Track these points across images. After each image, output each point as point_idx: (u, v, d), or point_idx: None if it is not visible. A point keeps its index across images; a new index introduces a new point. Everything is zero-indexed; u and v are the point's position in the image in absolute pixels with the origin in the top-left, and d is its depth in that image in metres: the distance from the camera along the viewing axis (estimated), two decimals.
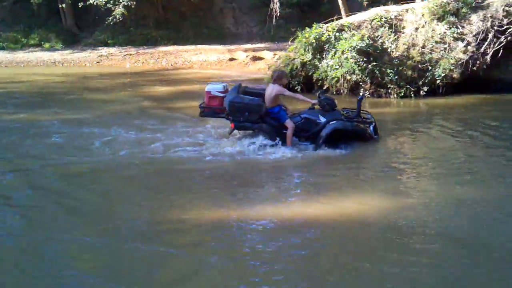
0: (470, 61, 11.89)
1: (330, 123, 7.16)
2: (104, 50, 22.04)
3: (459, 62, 11.90)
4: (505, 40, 11.87)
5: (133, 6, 20.17)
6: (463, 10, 12.33)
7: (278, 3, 15.76)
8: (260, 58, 18.26)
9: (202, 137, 7.96)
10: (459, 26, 12.26)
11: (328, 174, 6.64)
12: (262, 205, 5.54)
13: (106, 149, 7.67)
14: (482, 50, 11.97)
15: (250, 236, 4.73)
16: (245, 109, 7.01)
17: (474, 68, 11.92)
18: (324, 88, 12.05)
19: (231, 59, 18.95)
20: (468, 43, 12.05)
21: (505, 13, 12.07)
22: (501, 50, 11.89)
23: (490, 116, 10.10)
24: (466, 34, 12.16)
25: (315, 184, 6.34)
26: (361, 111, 7.68)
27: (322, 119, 7.25)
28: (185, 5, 23.85)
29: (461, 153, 7.57)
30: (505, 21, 11.97)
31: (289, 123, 7.19)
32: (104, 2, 20.30)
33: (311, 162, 6.99)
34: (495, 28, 11.98)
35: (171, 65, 19.59)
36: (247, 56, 18.69)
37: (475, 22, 12.21)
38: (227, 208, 5.45)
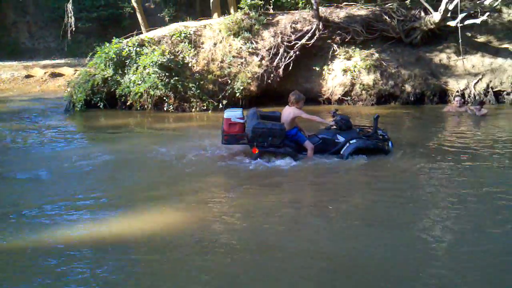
0: (265, 74, 13.79)
1: (351, 142, 7.70)
2: None
3: (256, 76, 13.70)
4: (294, 54, 14.00)
5: None
6: (256, 26, 14.31)
7: (73, 17, 16.32)
8: (60, 75, 18.50)
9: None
10: (253, 42, 14.15)
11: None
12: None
13: None
14: (275, 64, 13.93)
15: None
16: (269, 134, 7.42)
17: (269, 81, 13.83)
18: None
19: (28, 76, 18.80)
20: (263, 58, 13.96)
21: (292, 29, 14.31)
22: (291, 64, 13.97)
23: None
24: (260, 49, 14.07)
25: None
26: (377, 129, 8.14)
27: (341, 139, 7.81)
28: None
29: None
30: (293, 37, 14.17)
31: (308, 144, 7.75)
32: None
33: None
34: (285, 43, 14.09)
35: None
36: (45, 73, 18.74)
37: (267, 38, 14.23)
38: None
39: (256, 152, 7.55)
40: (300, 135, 7.85)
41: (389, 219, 5.54)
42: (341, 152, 7.71)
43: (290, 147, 7.66)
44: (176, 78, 13.26)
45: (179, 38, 14.12)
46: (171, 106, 13.46)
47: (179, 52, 13.87)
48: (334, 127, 8.02)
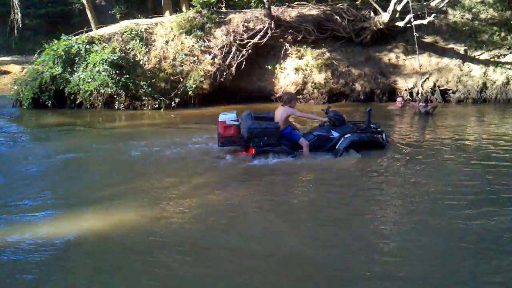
0: (217, 72, 14.07)
1: (345, 136, 7.89)
2: None
3: (208, 74, 13.96)
4: (247, 53, 14.35)
5: None
6: (208, 25, 14.59)
7: (19, 13, 16.15)
8: (6, 72, 18.26)
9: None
10: (205, 40, 14.41)
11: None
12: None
13: None
14: (227, 62, 14.23)
15: None
16: (264, 134, 7.60)
17: (222, 79, 14.12)
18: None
19: None
20: (215, 56, 14.23)
21: (245, 28, 14.65)
22: (244, 62, 14.31)
23: None
24: (213, 47, 14.35)
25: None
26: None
27: (335, 134, 7.97)
28: None
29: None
30: (246, 35, 14.51)
31: (303, 142, 7.88)
32: None
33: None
34: (238, 42, 14.41)
35: None
36: None
37: (220, 36, 14.52)
38: None
39: (253, 152, 7.70)
40: (294, 133, 8.02)
41: (338, 218, 5.63)
42: (336, 147, 7.88)
43: (286, 146, 7.84)
44: (127, 76, 13.36)
45: (130, 36, 14.22)
46: (122, 104, 13.53)
47: (130, 50, 13.97)
48: (328, 123, 8.16)
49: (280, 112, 8.05)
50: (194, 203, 6.03)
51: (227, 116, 7.87)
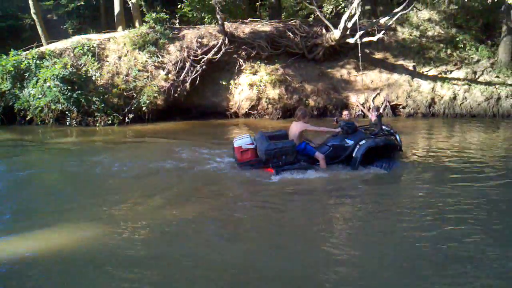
0: (171, 88, 14.36)
1: (360, 143, 8.05)
2: None
3: (162, 90, 14.24)
4: (201, 68, 14.73)
5: None
6: (162, 40, 14.92)
7: None
8: None
9: None
10: (159, 56, 14.72)
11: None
12: None
13: None
14: (181, 78, 14.56)
15: None
16: (281, 153, 7.77)
17: (176, 95, 14.42)
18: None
19: None
20: (169, 72, 14.55)
21: (198, 44, 15.05)
22: (198, 78, 14.68)
23: (197, 135, 12.19)
24: (166, 63, 14.67)
25: None
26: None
27: (350, 142, 8.15)
28: None
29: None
30: (199, 51, 14.90)
31: (319, 155, 8.08)
32: None
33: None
34: (192, 57, 14.79)
35: None
36: None
37: (174, 52, 14.87)
38: None
39: (273, 171, 7.87)
40: (309, 147, 8.23)
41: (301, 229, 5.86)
42: (353, 155, 8.05)
43: (304, 161, 8.05)
44: (79, 91, 13.51)
45: (82, 51, 14.38)
46: (74, 120, 13.64)
47: (82, 65, 14.13)
48: (341, 133, 8.38)
49: (295, 128, 8.28)
50: (156, 218, 6.16)
51: (242, 140, 8.15)
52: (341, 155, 8.19)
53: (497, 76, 15.63)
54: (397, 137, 8.60)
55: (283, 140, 8.17)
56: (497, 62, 15.98)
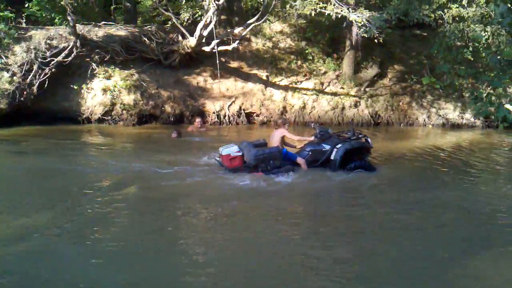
0: (17, 91, 14.03)
1: (337, 146, 9.26)
2: None
3: (6, 93, 13.86)
4: (50, 71, 14.59)
5: None
6: (6, 40, 14.54)
7: None
8: None
9: None
10: (3, 56, 14.32)
11: None
12: None
13: None
14: (28, 81, 14.29)
15: None
16: (269, 158, 8.90)
17: (22, 98, 14.11)
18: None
19: None
20: (14, 74, 14.21)
21: (47, 45, 14.91)
22: (47, 81, 14.52)
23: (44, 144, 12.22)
24: (11, 64, 14.31)
25: None
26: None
27: (327, 147, 9.38)
28: None
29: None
30: (48, 53, 14.76)
31: (300, 160, 9.34)
32: None
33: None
34: (40, 60, 14.58)
35: None
36: None
37: (19, 53, 14.56)
38: None
39: (262, 175, 8.93)
40: (290, 153, 9.51)
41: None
42: (332, 158, 9.31)
43: (288, 164, 9.19)
44: None
45: None
46: None
47: None
48: (316, 140, 9.59)
49: (277, 134, 9.61)
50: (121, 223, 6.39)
51: (230, 149, 9.05)
52: (320, 158, 9.46)
53: (342, 87, 17.64)
54: (368, 140, 9.77)
55: (266, 147, 9.37)
56: (342, 74, 18.01)
